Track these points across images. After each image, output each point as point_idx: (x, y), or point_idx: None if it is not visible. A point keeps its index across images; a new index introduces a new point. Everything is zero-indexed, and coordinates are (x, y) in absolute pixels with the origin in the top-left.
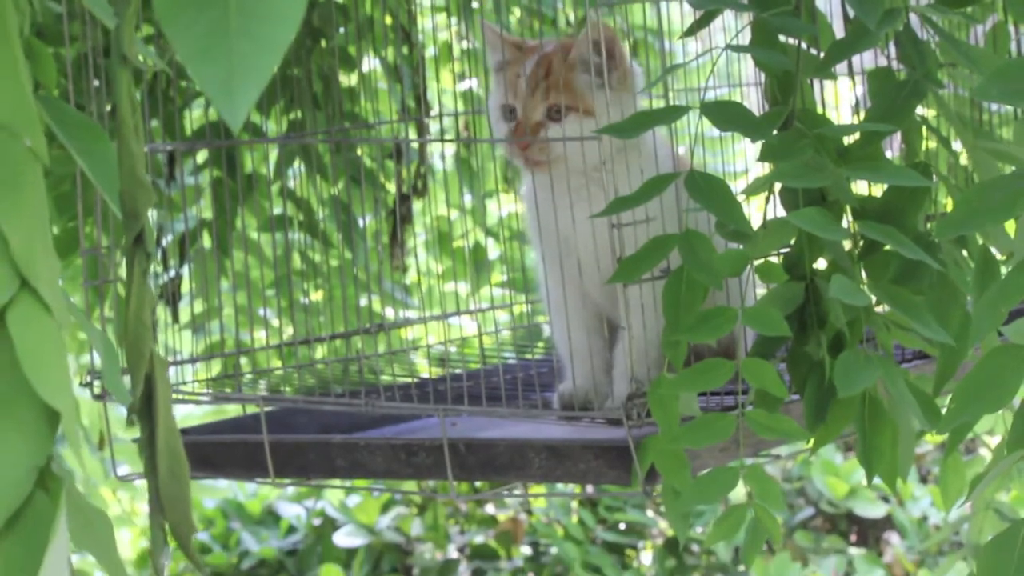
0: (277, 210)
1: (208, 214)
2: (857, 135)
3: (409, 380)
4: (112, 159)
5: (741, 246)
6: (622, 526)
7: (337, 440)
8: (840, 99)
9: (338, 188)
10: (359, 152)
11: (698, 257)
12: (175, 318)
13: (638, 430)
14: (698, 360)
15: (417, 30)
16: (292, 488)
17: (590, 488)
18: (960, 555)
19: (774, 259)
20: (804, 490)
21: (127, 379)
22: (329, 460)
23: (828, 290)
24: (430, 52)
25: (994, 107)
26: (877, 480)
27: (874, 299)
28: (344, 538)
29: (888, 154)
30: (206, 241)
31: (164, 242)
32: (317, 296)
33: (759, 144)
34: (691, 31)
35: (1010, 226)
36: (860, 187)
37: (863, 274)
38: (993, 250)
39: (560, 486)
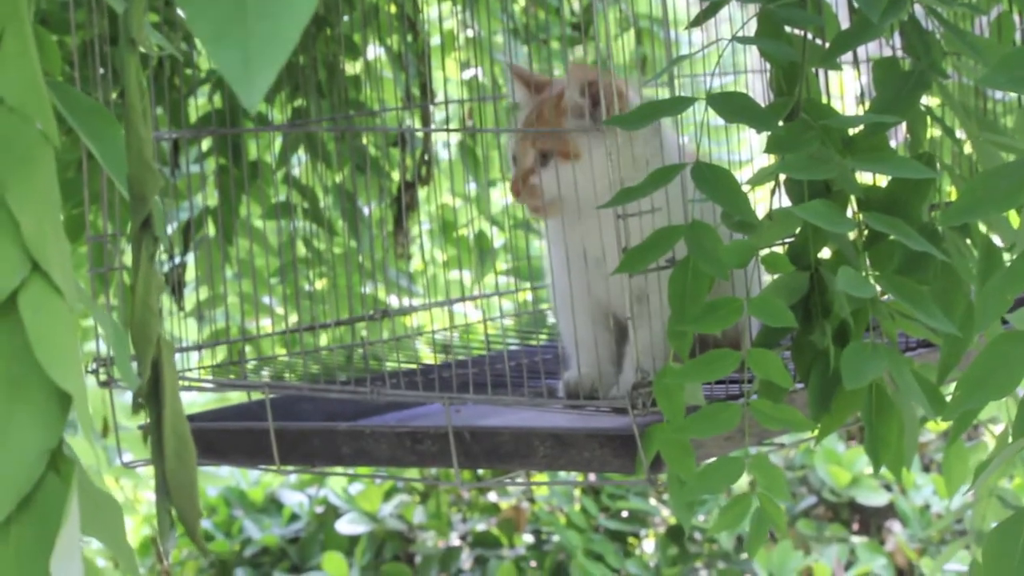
0: (281, 198)
1: (212, 202)
2: (862, 125)
3: (413, 367)
4: (121, 143)
5: (746, 236)
6: (625, 514)
7: (342, 428)
8: (844, 89)
9: (342, 176)
10: (363, 140)
11: (704, 248)
12: (179, 306)
13: (643, 419)
14: (704, 350)
15: (422, 18)
16: (294, 476)
17: (593, 476)
18: (962, 543)
19: (779, 249)
20: (806, 479)
21: (133, 365)
22: (334, 447)
23: (833, 280)
24: (435, 41)
25: (998, 95)
26: (881, 469)
27: (879, 289)
28: (346, 526)
29: (892, 143)
30: (210, 229)
31: (168, 230)
32: (321, 284)
33: (764, 133)
34: (697, 21)
35: (1013, 216)
36: (865, 177)
37: (868, 264)
38: (996, 239)
39: (563, 474)
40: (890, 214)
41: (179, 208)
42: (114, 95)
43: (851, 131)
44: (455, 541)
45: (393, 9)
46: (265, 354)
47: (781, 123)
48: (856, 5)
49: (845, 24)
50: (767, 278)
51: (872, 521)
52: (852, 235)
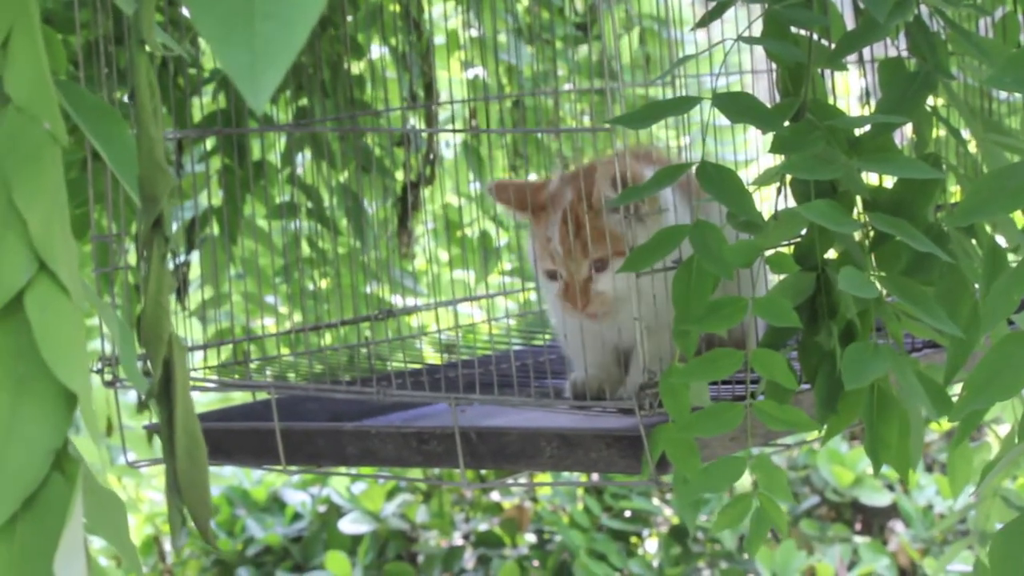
0: (285, 197)
1: (216, 201)
2: (868, 126)
3: (419, 367)
4: (129, 143)
5: (752, 237)
6: (627, 514)
7: (348, 428)
8: (849, 89)
9: (346, 176)
10: (367, 140)
11: (709, 248)
12: (183, 305)
13: (650, 420)
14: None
15: (425, 18)
16: (297, 475)
17: (596, 476)
18: (966, 543)
19: (785, 249)
20: (809, 479)
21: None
22: (340, 448)
23: (839, 281)
24: (438, 40)
25: (1003, 96)
26: (883, 468)
27: (884, 290)
28: (349, 525)
29: (898, 143)
30: (214, 228)
31: (173, 229)
32: (325, 284)
33: (768, 133)
34: (703, 22)
35: (1018, 217)
36: (871, 177)
37: (874, 265)
38: (1001, 240)
39: (566, 474)
40: (896, 215)
41: (183, 207)
42: (119, 95)
43: (857, 132)
44: (458, 540)
45: (397, 8)
46: (269, 354)
47: (787, 123)
48: (862, 6)
49: (850, 25)
50: (773, 279)
51: (875, 521)
52: (858, 236)
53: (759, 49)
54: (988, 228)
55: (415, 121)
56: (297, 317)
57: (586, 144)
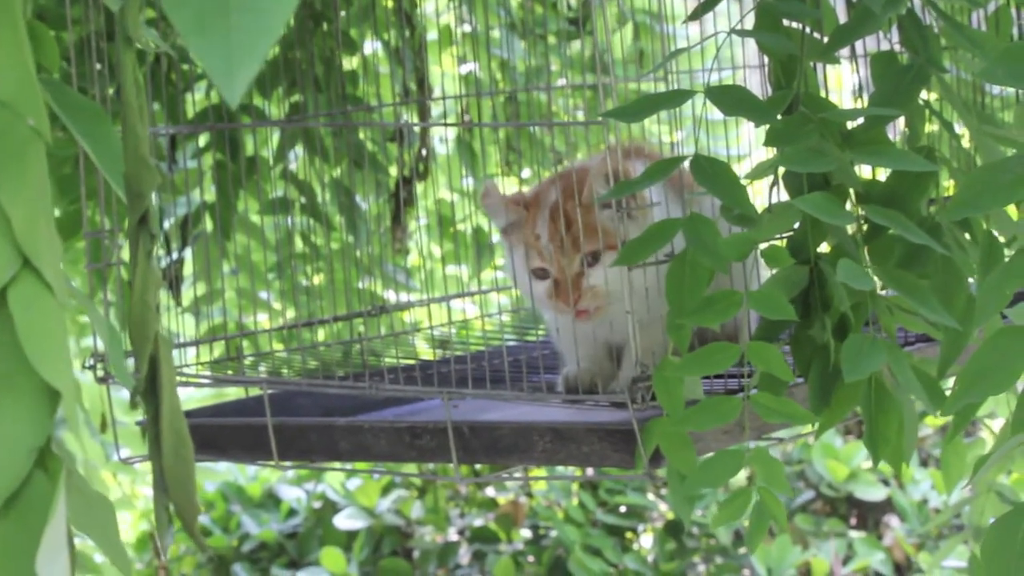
0: (278, 193)
1: (209, 197)
2: (861, 119)
3: (411, 362)
4: (115, 141)
5: (746, 230)
6: (622, 509)
7: (341, 423)
8: (842, 83)
9: (339, 171)
10: (361, 135)
11: (703, 241)
12: (177, 301)
13: (642, 413)
14: (703, 344)
15: (418, 13)
16: (292, 471)
17: (591, 471)
18: (960, 538)
19: (779, 243)
20: (804, 473)
21: (130, 361)
22: (333, 443)
23: (833, 273)
24: (431, 36)
25: (996, 90)
26: (879, 463)
27: (878, 283)
28: (344, 521)
29: (891, 137)
30: (208, 224)
31: (166, 225)
32: (318, 279)
33: (762, 127)
34: (695, 15)
35: (1012, 210)
36: (864, 170)
37: (867, 258)
38: (996, 233)
39: (561, 469)
40: (889, 208)
41: (176, 203)
42: (111, 91)
43: (850, 125)
44: (453, 536)
45: (390, 4)
46: (262, 349)
47: (780, 116)
48: None
49: (843, 18)
50: (766, 273)
51: (870, 516)
52: (851, 229)
53: (752, 44)
54: (984, 222)
55: (408, 117)
56: (290, 313)
57: (579, 139)
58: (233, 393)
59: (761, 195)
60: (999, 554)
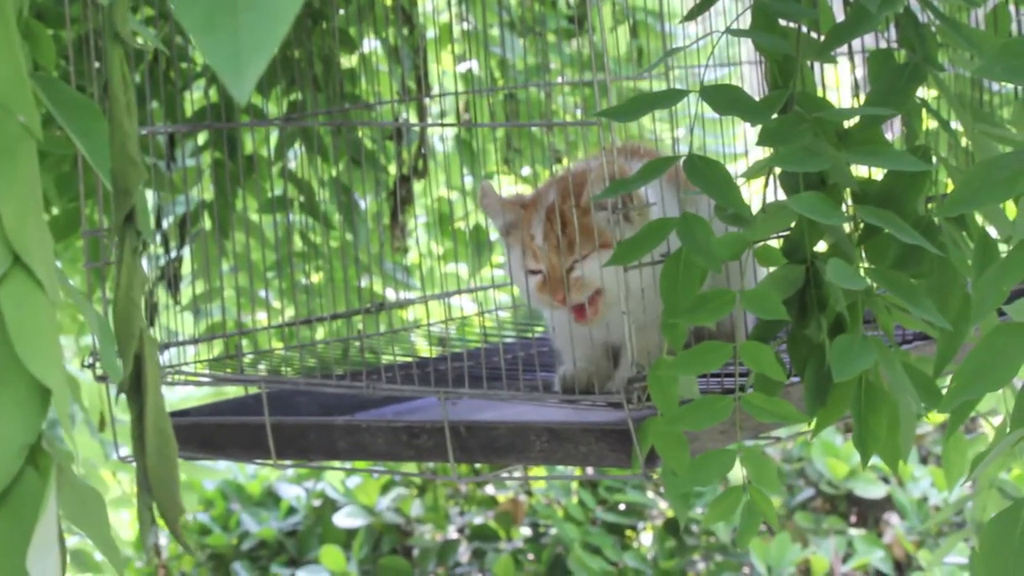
0: (277, 191)
1: (208, 196)
2: (857, 118)
3: (409, 360)
4: (107, 138)
5: (740, 229)
6: (622, 507)
7: (339, 422)
8: (840, 81)
9: (338, 169)
10: (359, 133)
11: (697, 240)
12: (176, 299)
13: (638, 413)
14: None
15: (417, 11)
16: (292, 469)
17: (590, 470)
18: (961, 535)
19: (774, 242)
20: (804, 471)
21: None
22: (331, 442)
23: (827, 273)
24: (430, 34)
25: (994, 87)
26: (876, 461)
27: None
28: (344, 519)
29: (887, 135)
30: (206, 223)
31: (164, 224)
32: (317, 277)
33: (759, 127)
34: (692, 15)
35: (1009, 209)
36: (860, 170)
37: (863, 257)
38: (992, 232)
39: (560, 468)
40: (885, 207)
41: (175, 202)
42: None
43: (846, 124)
44: (453, 534)
45: (389, 2)
46: (261, 348)
47: (775, 116)
48: None
49: (839, 17)
50: (762, 273)
51: (870, 513)
52: (847, 228)
53: (750, 40)
54: (979, 220)
55: (407, 115)
56: (290, 311)
57: (578, 137)
58: (232, 391)
59: (758, 194)
60: (998, 550)
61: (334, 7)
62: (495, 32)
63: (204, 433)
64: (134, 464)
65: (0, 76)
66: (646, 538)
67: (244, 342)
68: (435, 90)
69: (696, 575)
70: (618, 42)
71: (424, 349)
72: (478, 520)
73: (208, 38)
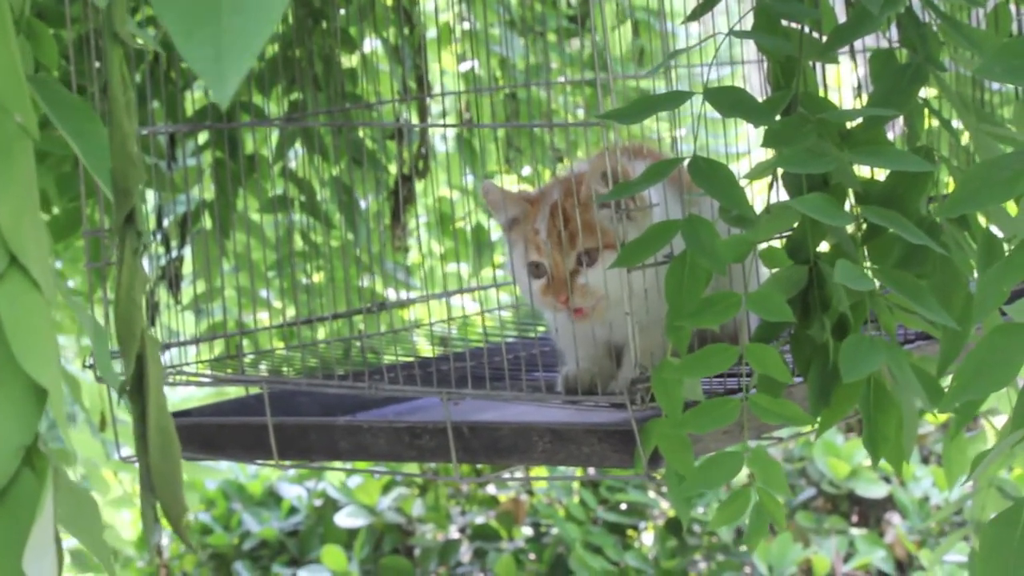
0: (278, 191)
1: (209, 195)
2: (860, 119)
3: (411, 360)
4: (103, 139)
5: (743, 231)
6: (623, 507)
7: (341, 423)
8: (842, 80)
9: (339, 169)
10: (360, 133)
11: (701, 242)
12: (176, 299)
13: (641, 414)
14: (702, 346)
15: (418, 11)
16: (293, 469)
17: (592, 470)
18: (961, 534)
19: (777, 243)
20: (806, 471)
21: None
22: (332, 442)
23: (831, 273)
24: (431, 34)
25: (995, 87)
26: (880, 461)
27: (877, 282)
28: (345, 519)
29: (889, 135)
30: (207, 222)
31: (165, 223)
32: (318, 277)
33: (762, 128)
34: (695, 15)
35: (1011, 208)
36: (863, 170)
37: (866, 257)
38: (996, 231)
39: (562, 468)
40: (888, 207)
41: (176, 202)
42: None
43: (849, 124)
44: (454, 534)
45: (389, 2)
46: (262, 347)
47: (778, 117)
48: None
49: (842, 17)
50: (765, 272)
51: (871, 513)
52: (850, 229)
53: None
54: (982, 219)
55: (408, 114)
56: (290, 311)
57: (579, 137)
58: (233, 392)
59: (762, 195)
60: (998, 550)
61: (334, 7)
62: (496, 31)
63: (205, 433)
64: (136, 464)
65: None
66: (647, 538)
67: (245, 342)
68: (436, 90)
69: (698, 575)
70: (620, 41)
71: (426, 349)
72: (479, 520)
73: (189, 42)
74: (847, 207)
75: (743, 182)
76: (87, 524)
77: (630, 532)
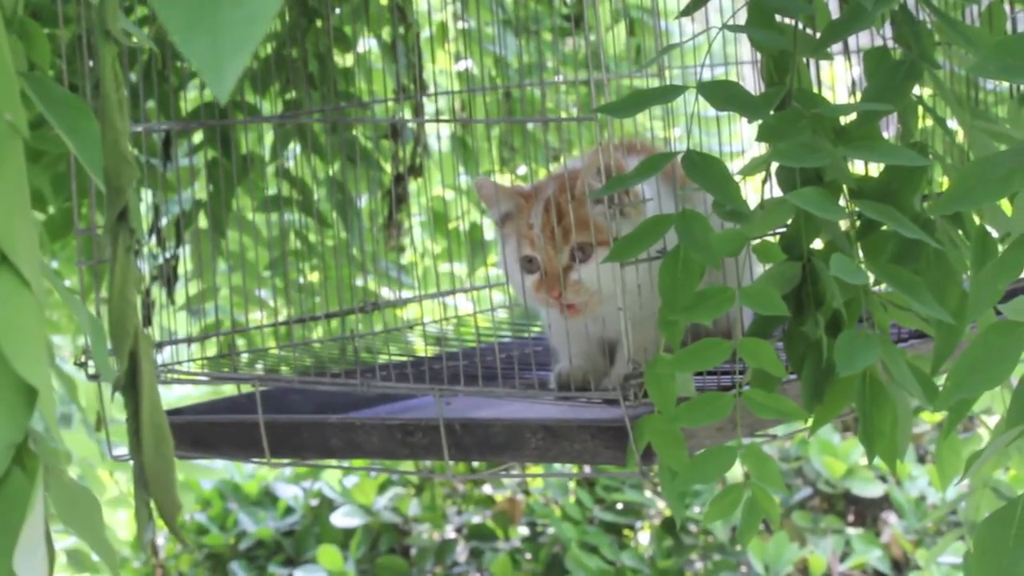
0: (273, 190)
1: (204, 194)
2: (854, 115)
3: (405, 359)
4: (97, 136)
5: (738, 226)
6: (620, 506)
7: (333, 420)
8: (836, 79)
9: (334, 168)
10: (355, 132)
11: (694, 237)
12: (171, 299)
13: (634, 410)
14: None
15: (412, 10)
16: (289, 469)
17: (588, 468)
18: (957, 534)
19: (771, 239)
20: (802, 470)
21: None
22: (325, 440)
23: (826, 270)
24: (426, 33)
25: (990, 85)
26: (876, 460)
27: (871, 279)
28: (341, 519)
29: (885, 134)
30: (202, 222)
31: (161, 223)
32: (313, 277)
33: (756, 124)
34: (687, 11)
35: (1006, 206)
36: (857, 167)
37: (860, 253)
38: (990, 229)
39: (558, 466)
40: (883, 203)
41: (171, 201)
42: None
43: (843, 120)
44: (450, 534)
45: (384, 1)
46: (257, 346)
47: (772, 112)
48: None
49: (836, 14)
50: (759, 270)
51: (867, 512)
52: (845, 225)
53: (747, 40)
54: (976, 217)
55: (403, 114)
56: (285, 310)
57: (574, 135)
58: (229, 390)
59: (757, 191)
60: (992, 549)
61: (329, 5)
62: (491, 30)
63: (197, 432)
64: (130, 462)
65: None
66: (644, 537)
67: (240, 341)
68: (431, 89)
69: (694, 574)
70: (615, 40)
71: (420, 348)
72: (476, 519)
73: (187, 36)
74: (841, 202)
75: (737, 178)
76: (87, 521)
77: (626, 532)
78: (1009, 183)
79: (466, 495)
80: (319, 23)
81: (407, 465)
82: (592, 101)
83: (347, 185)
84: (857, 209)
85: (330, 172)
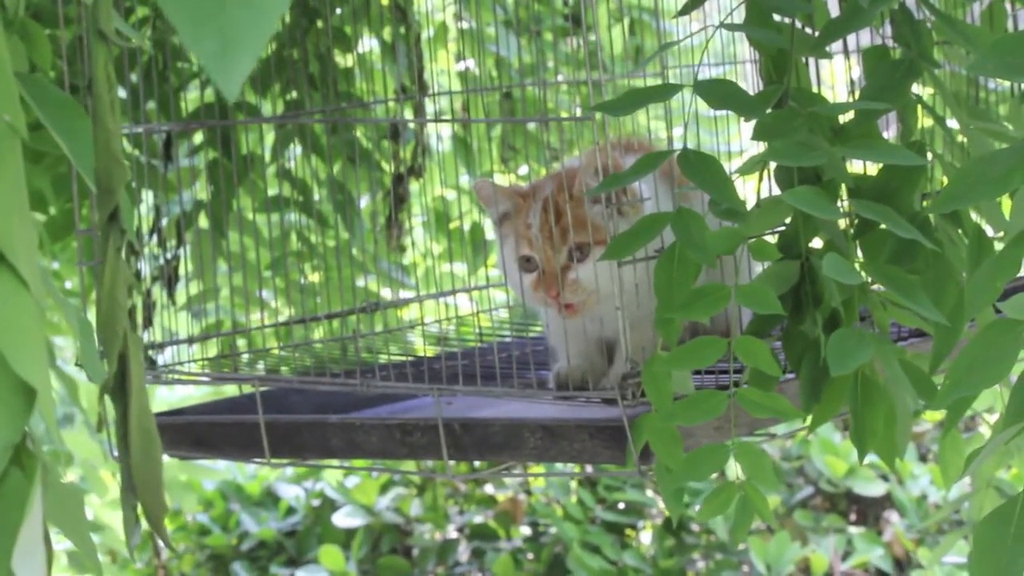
0: (274, 191)
1: (205, 195)
2: (852, 114)
3: (405, 359)
4: (90, 138)
5: (734, 225)
6: (621, 506)
7: (333, 420)
8: (836, 78)
9: (335, 168)
10: (356, 133)
11: (691, 235)
12: (172, 299)
13: (633, 409)
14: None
15: (413, 10)
16: (291, 469)
17: (589, 468)
18: (960, 533)
19: (770, 238)
20: (803, 469)
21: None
22: (325, 440)
23: (822, 267)
24: (427, 34)
25: (991, 85)
26: (875, 458)
27: (869, 278)
28: (343, 519)
29: (885, 134)
30: (203, 222)
31: (162, 223)
32: (314, 277)
33: (753, 124)
34: (685, 10)
35: (1005, 205)
36: (856, 166)
37: (858, 253)
38: (987, 228)
39: (559, 466)
40: (881, 202)
41: (172, 201)
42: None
43: (841, 119)
44: (452, 534)
45: (385, 1)
46: (258, 347)
47: (769, 110)
48: None
49: (835, 12)
50: (759, 269)
51: (869, 511)
52: (842, 224)
53: (747, 39)
54: (974, 215)
55: (403, 114)
56: (286, 311)
57: (575, 136)
58: (230, 391)
59: (754, 191)
60: (992, 547)
61: (330, 6)
62: (492, 31)
63: (197, 432)
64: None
65: None
66: (645, 537)
67: (241, 342)
68: (432, 89)
69: (696, 574)
70: (612, 41)
71: (421, 348)
72: (477, 519)
73: (196, 35)
74: (839, 202)
75: (734, 177)
76: (73, 520)
77: (628, 531)
78: (1007, 181)
79: (468, 495)
80: (320, 23)
81: (408, 465)
82: (591, 101)
83: (348, 185)
84: (854, 208)
85: (331, 172)
